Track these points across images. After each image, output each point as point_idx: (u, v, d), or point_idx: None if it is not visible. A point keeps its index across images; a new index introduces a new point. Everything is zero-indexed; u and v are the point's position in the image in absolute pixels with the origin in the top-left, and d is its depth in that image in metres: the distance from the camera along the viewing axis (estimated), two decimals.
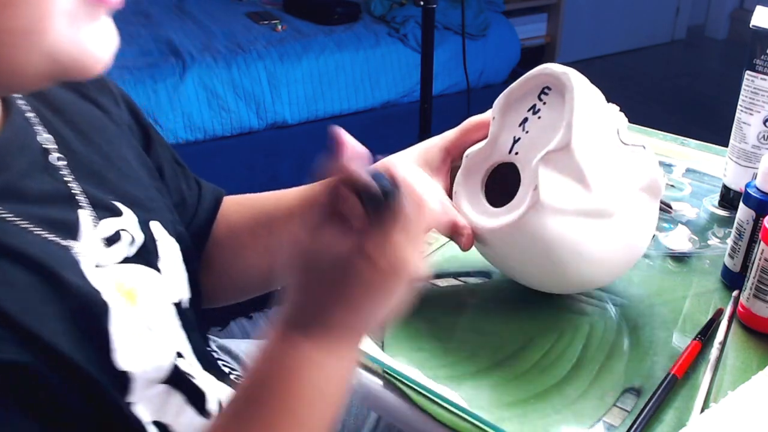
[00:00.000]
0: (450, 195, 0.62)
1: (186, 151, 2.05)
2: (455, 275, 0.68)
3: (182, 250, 0.61)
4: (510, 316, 0.62)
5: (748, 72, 0.74)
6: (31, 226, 0.45)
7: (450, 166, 0.63)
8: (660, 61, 3.84)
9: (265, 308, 1.87)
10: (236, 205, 0.72)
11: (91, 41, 0.41)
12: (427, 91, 1.66)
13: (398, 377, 0.56)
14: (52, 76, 0.41)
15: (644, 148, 0.57)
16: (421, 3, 1.53)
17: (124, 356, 0.47)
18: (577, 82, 0.55)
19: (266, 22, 2.40)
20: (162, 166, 0.65)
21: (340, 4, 2.46)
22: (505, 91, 0.60)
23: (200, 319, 0.62)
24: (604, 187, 0.54)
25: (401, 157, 0.63)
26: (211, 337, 0.75)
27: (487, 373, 0.56)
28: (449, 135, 0.64)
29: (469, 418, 0.52)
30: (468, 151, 0.62)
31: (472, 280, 0.68)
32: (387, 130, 2.33)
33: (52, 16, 0.38)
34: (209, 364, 0.60)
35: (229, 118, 2.10)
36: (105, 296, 0.48)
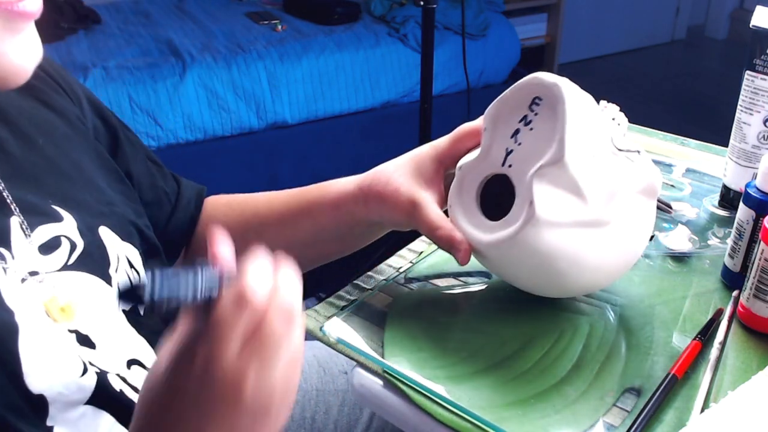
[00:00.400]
0: (444, 205, 0.62)
1: (186, 151, 2.05)
2: (455, 275, 0.68)
3: (146, 252, 0.59)
4: (510, 316, 0.62)
5: (748, 72, 0.74)
6: None
7: (443, 175, 0.63)
8: (660, 61, 3.84)
9: None
10: (225, 207, 0.71)
11: (14, 54, 0.41)
12: (427, 91, 1.66)
13: (398, 377, 0.56)
14: None
15: (639, 153, 0.57)
16: (421, 3, 1.53)
17: (37, 378, 0.45)
18: (569, 93, 0.54)
19: (266, 22, 2.41)
20: (130, 167, 0.64)
21: (340, 4, 2.46)
22: (495, 101, 0.59)
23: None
24: (600, 197, 0.54)
25: (394, 168, 0.62)
26: None
27: (487, 373, 0.56)
28: (441, 144, 0.62)
29: (469, 418, 0.52)
30: (460, 163, 0.61)
31: (472, 280, 0.68)
32: (387, 130, 2.33)
33: None
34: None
35: (229, 118, 2.10)
36: (18, 317, 0.45)
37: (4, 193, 0.49)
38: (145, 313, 0.37)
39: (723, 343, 0.57)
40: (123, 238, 0.57)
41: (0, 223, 0.47)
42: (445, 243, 0.58)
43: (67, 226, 0.53)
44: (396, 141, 1.51)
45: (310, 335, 0.62)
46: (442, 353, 0.58)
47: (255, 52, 2.16)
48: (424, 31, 1.58)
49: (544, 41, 3.25)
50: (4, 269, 0.46)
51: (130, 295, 0.35)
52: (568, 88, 0.54)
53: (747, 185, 0.62)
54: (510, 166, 0.57)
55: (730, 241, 0.65)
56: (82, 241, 0.53)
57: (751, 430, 0.49)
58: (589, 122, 0.55)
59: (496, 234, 0.56)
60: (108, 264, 0.54)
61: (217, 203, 0.72)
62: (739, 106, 0.76)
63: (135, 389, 0.52)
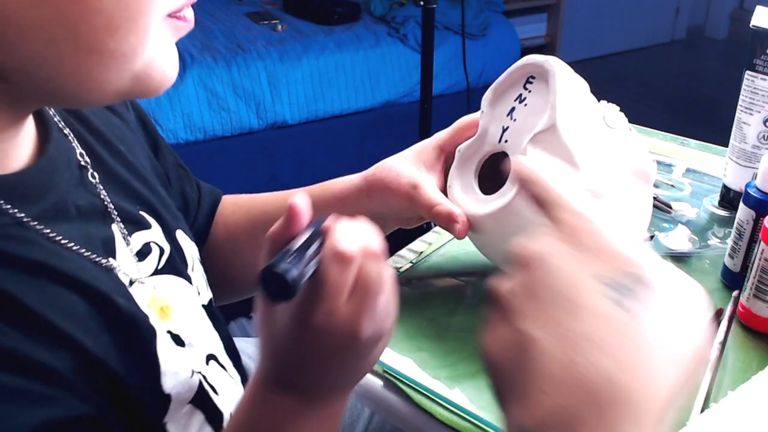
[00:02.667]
0: (444, 191, 0.63)
1: (186, 151, 2.05)
2: (455, 275, 0.68)
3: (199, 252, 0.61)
4: None
5: (748, 72, 0.74)
6: (77, 246, 0.45)
7: (444, 164, 0.64)
8: (660, 61, 3.84)
9: None
10: (233, 206, 0.72)
11: (167, 61, 0.42)
12: (427, 91, 1.66)
13: (398, 377, 0.56)
14: (127, 95, 0.42)
15: (630, 130, 0.58)
16: (421, 3, 1.53)
17: (169, 379, 0.48)
18: (559, 67, 0.56)
19: (266, 22, 2.41)
20: (168, 170, 0.66)
21: (340, 4, 2.46)
22: (492, 85, 0.62)
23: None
24: (592, 167, 0.54)
25: (397, 158, 0.64)
26: None
27: None
28: (442, 134, 0.65)
29: (469, 418, 0.52)
30: (460, 146, 0.63)
31: (472, 280, 0.68)
32: (387, 130, 2.33)
33: (147, 41, 0.39)
34: (237, 358, 0.61)
35: (229, 118, 2.10)
36: (152, 320, 0.48)
37: (106, 201, 0.50)
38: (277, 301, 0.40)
39: (723, 343, 0.57)
40: (191, 239, 0.60)
41: (105, 231, 0.49)
42: (444, 217, 0.59)
43: (155, 232, 0.55)
44: (396, 141, 1.50)
45: None
46: (442, 353, 0.58)
47: (255, 52, 2.16)
48: (424, 31, 1.58)
49: (544, 41, 3.25)
50: (123, 280, 0.48)
51: (280, 296, 0.38)
52: (559, 64, 0.57)
53: (747, 185, 0.63)
54: (506, 141, 0.59)
55: (730, 241, 0.65)
56: (168, 246, 0.55)
57: (751, 430, 0.49)
58: (581, 97, 0.56)
59: (492, 204, 0.57)
60: (186, 265, 0.57)
61: (224, 203, 0.73)
62: (739, 106, 0.76)
63: (213, 388, 0.54)
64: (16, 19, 0.35)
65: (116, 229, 0.50)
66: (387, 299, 0.44)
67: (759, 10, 0.73)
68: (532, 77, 0.59)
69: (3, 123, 0.40)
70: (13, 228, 0.40)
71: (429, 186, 0.61)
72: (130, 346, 0.45)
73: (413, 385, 0.55)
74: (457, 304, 0.65)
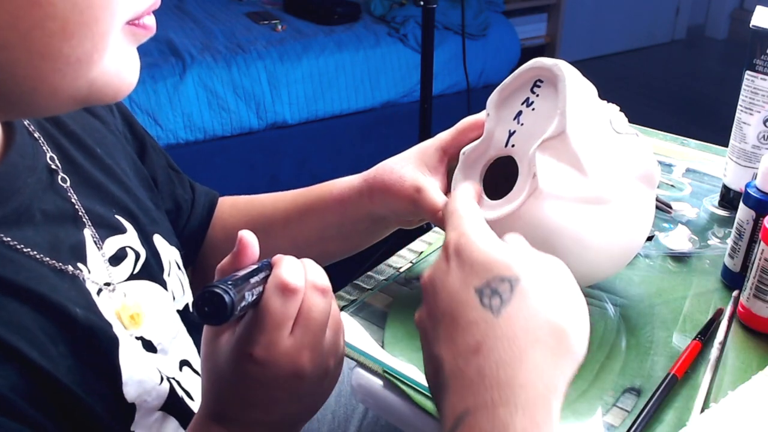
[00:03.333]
0: (448, 194, 0.62)
1: (186, 151, 2.05)
2: None
3: (181, 255, 0.61)
4: None
5: (748, 72, 0.74)
6: (40, 254, 0.44)
7: (447, 166, 0.63)
8: (660, 61, 3.84)
9: None
10: (231, 208, 0.72)
11: (126, 67, 0.41)
12: (427, 91, 1.66)
13: (398, 377, 0.56)
14: (84, 101, 0.41)
15: (637, 135, 0.58)
16: (421, 3, 1.53)
17: (132, 388, 0.47)
18: (569, 72, 0.56)
19: (266, 22, 2.41)
20: (156, 173, 0.65)
21: (340, 4, 2.46)
22: (498, 88, 0.61)
23: None
24: (600, 174, 0.54)
25: (398, 159, 0.63)
26: None
27: None
28: (445, 135, 0.63)
29: None
30: (464, 149, 0.62)
31: None
32: (387, 130, 2.33)
33: (105, 48, 0.39)
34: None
35: (229, 118, 2.10)
36: (115, 329, 0.47)
37: (77, 205, 0.49)
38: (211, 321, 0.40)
39: (723, 343, 0.57)
40: (170, 243, 0.59)
41: (76, 236, 0.48)
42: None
43: (130, 237, 0.54)
44: (396, 141, 1.51)
45: None
46: None
47: (255, 52, 2.16)
48: (424, 31, 1.58)
49: (544, 41, 3.25)
50: (85, 282, 0.47)
51: (213, 316, 0.38)
52: (568, 68, 0.56)
53: (747, 185, 0.63)
54: (513, 145, 0.58)
55: (730, 241, 0.65)
56: (144, 251, 0.55)
57: (751, 430, 0.49)
58: (589, 102, 0.56)
59: (500, 210, 0.56)
60: (162, 270, 0.57)
61: (222, 205, 0.72)
62: (739, 106, 0.76)
63: (187, 393, 0.54)
64: None
65: (88, 234, 0.49)
66: (333, 335, 0.44)
67: (759, 10, 0.73)
68: (540, 81, 0.58)
69: None
70: None
71: (433, 189, 0.60)
72: (86, 357, 0.44)
73: (413, 385, 0.55)
74: None
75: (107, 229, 0.52)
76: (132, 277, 0.53)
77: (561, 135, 0.54)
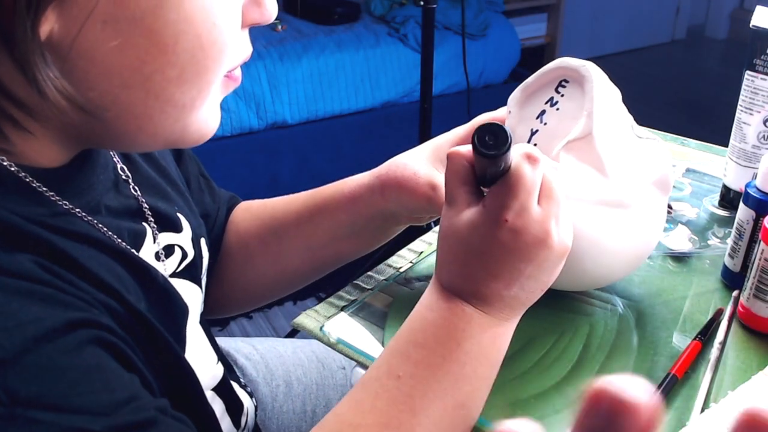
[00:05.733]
0: None
1: None
2: None
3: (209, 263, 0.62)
4: None
5: (748, 72, 0.74)
6: (114, 236, 0.47)
7: None
8: (660, 61, 3.84)
9: (265, 308, 1.88)
10: (244, 213, 0.71)
11: (213, 115, 0.45)
12: (427, 91, 1.65)
13: None
14: (172, 143, 0.44)
15: (656, 140, 0.58)
16: (421, 3, 1.53)
17: (192, 358, 0.48)
18: (597, 74, 0.55)
19: None
20: (189, 179, 0.66)
21: (340, 4, 2.46)
22: (521, 85, 0.59)
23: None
24: (621, 177, 0.54)
25: (412, 155, 0.62)
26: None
27: None
28: (461, 131, 0.62)
29: None
30: None
31: None
32: (387, 130, 2.33)
33: (207, 95, 0.42)
34: (229, 368, 0.61)
35: (229, 118, 2.10)
36: (186, 298, 0.49)
37: (141, 201, 0.52)
38: (487, 159, 0.41)
39: (723, 343, 0.57)
40: (208, 249, 0.61)
41: (138, 227, 0.50)
42: None
43: (184, 236, 0.56)
44: (396, 141, 1.51)
45: (310, 335, 0.62)
46: None
47: (255, 52, 2.16)
48: (424, 31, 1.58)
49: (544, 41, 3.25)
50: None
51: (493, 147, 0.40)
52: (596, 71, 0.56)
53: (747, 185, 0.62)
54: (535, 144, 0.58)
55: (730, 241, 0.65)
56: (193, 252, 0.56)
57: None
58: (614, 104, 0.56)
59: None
60: (202, 273, 0.58)
61: (237, 210, 0.72)
62: (739, 106, 0.76)
63: (238, 381, 0.56)
64: (101, 62, 0.37)
65: (147, 227, 0.51)
66: (567, 217, 0.46)
67: (759, 10, 0.73)
68: (566, 81, 0.57)
69: (58, 146, 0.42)
70: (63, 214, 0.42)
71: None
72: (162, 317, 0.46)
73: None
74: None
75: (166, 224, 0.54)
76: (174, 274, 0.53)
77: (587, 137, 0.53)
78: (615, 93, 0.57)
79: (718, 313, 0.61)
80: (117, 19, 0.36)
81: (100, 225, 0.45)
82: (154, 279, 0.46)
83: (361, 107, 2.30)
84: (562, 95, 0.57)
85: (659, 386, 0.53)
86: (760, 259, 0.57)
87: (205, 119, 0.44)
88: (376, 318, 0.63)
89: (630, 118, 0.57)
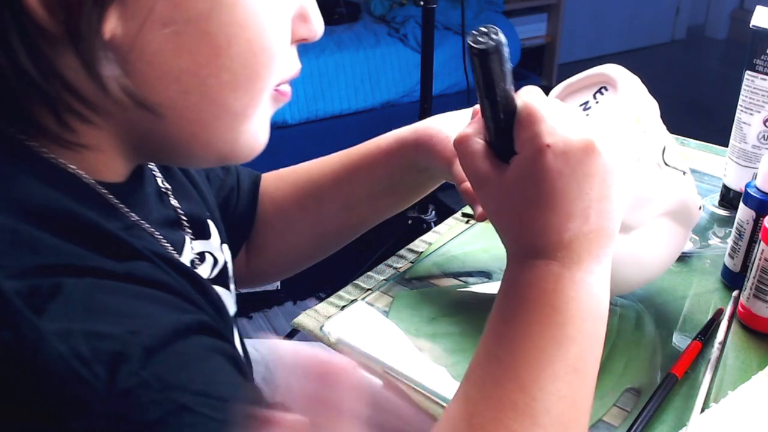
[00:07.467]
0: None
1: None
2: (455, 275, 0.68)
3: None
4: None
5: (748, 72, 0.74)
6: (171, 248, 0.48)
7: None
8: (660, 61, 3.84)
9: (265, 308, 1.88)
10: (277, 181, 0.72)
11: (263, 130, 0.45)
12: (427, 91, 1.65)
13: (398, 377, 0.56)
14: (223, 158, 0.45)
15: (684, 173, 0.56)
16: (421, 3, 1.53)
17: None
18: (634, 87, 0.54)
19: None
20: (208, 172, 0.66)
21: (340, 5, 2.46)
22: (565, 81, 0.59)
23: None
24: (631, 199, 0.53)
25: (451, 117, 0.62)
26: None
27: None
28: None
29: None
30: None
31: (472, 280, 0.68)
32: (387, 130, 2.31)
33: (258, 105, 0.43)
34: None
35: None
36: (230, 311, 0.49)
37: (179, 211, 0.52)
38: (484, 57, 0.40)
39: (723, 343, 0.57)
40: (230, 248, 0.61)
41: (178, 236, 0.51)
42: (469, 197, 0.58)
43: (213, 243, 0.56)
44: None
45: (310, 335, 0.62)
46: (442, 353, 0.58)
47: None
48: (424, 31, 1.58)
49: (544, 41, 3.25)
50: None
51: (485, 45, 0.40)
52: (634, 84, 0.54)
53: (747, 185, 0.63)
54: None
55: (730, 241, 0.65)
56: (222, 257, 0.57)
57: (751, 430, 0.49)
58: (645, 125, 0.54)
59: None
60: (230, 278, 0.59)
61: (266, 180, 0.72)
62: (739, 106, 0.76)
63: None
64: (159, 64, 0.38)
65: (185, 235, 0.52)
66: (597, 127, 0.44)
67: (759, 10, 0.73)
68: (605, 88, 0.56)
69: (121, 159, 0.43)
70: (131, 227, 0.43)
71: None
72: (222, 326, 0.45)
73: (413, 385, 0.55)
74: (457, 304, 0.65)
75: (198, 232, 0.54)
76: (207, 280, 0.54)
77: None
78: (651, 110, 0.55)
79: (718, 313, 0.61)
80: (174, 21, 0.37)
81: (160, 237, 0.47)
82: (208, 291, 0.45)
83: (361, 107, 2.31)
84: (597, 101, 0.56)
85: (659, 386, 0.53)
86: (760, 259, 0.57)
87: (255, 132, 0.44)
88: (376, 318, 0.63)
89: (665, 142, 0.55)
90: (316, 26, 0.46)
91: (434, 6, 1.54)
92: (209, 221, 0.57)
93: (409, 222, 1.71)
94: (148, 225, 0.45)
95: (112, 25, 0.36)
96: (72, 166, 0.40)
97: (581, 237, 0.42)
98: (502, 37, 0.40)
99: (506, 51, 0.41)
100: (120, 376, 0.32)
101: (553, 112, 0.42)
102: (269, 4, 0.41)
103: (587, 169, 0.41)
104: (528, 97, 0.43)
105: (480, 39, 0.40)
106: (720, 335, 0.58)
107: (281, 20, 0.43)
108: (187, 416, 0.33)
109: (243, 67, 0.40)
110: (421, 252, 0.73)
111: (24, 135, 0.38)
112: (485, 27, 0.41)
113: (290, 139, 2.21)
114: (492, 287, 0.67)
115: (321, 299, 0.68)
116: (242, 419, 0.36)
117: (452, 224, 0.78)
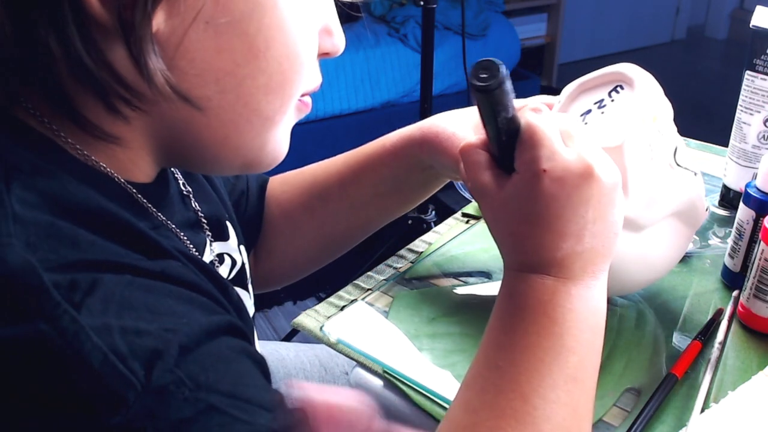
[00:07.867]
0: None
1: None
2: (455, 275, 0.68)
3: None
4: None
5: (748, 72, 0.74)
6: (194, 249, 0.48)
7: None
8: (660, 61, 3.84)
9: (265, 308, 1.88)
10: (282, 185, 0.72)
11: (285, 140, 0.46)
12: (427, 91, 1.65)
13: (398, 377, 0.56)
14: (246, 166, 0.46)
15: (695, 174, 0.56)
16: (421, 3, 1.53)
17: None
18: (650, 87, 0.54)
19: None
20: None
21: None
22: (579, 79, 0.59)
23: None
24: (641, 198, 0.53)
25: (457, 115, 0.62)
26: None
27: None
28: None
29: None
30: None
31: (472, 280, 0.68)
32: (387, 130, 2.30)
33: (285, 112, 0.43)
34: None
35: None
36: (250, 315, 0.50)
37: (199, 213, 0.53)
38: (486, 93, 0.41)
39: (723, 343, 0.57)
40: (246, 250, 0.61)
41: (199, 238, 0.52)
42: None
43: (231, 244, 0.57)
44: None
45: (310, 335, 0.62)
46: (443, 353, 0.58)
47: None
48: (424, 31, 1.58)
49: (544, 41, 3.25)
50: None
51: (487, 81, 0.40)
52: (650, 84, 0.55)
53: (747, 185, 0.63)
54: None
55: (730, 241, 0.65)
56: (240, 260, 0.57)
57: (751, 430, 0.49)
58: (659, 124, 0.54)
59: None
60: (248, 279, 0.59)
61: (272, 183, 0.72)
62: (739, 106, 0.76)
63: None
64: (200, 62, 0.39)
65: (206, 237, 0.53)
66: (599, 150, 0.45)
67: (759, 10, 0.73)
68: (621, 86, 0.56)
69: (150, 159, 0.44)
70: (158, 227, 0.44)
71: None
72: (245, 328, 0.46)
73: (413, 385, 0.55)
74: (457, 304, 0.65)
75: (217, 233, 0.55)
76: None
77: (617, 147, 0.52)
78: (665, 111, 0.55)
79: (718, 313, 0.61)
80: (218, 22, 0.38)
81: (185, 238, 0.47)
82: (230, 292, 0.46)
83: (361, 107, 2.31)
84: (612, 100, 0.56)
85: (659, 386, 0.53)
86: (760, 259, 0.57)
87: (280, 140, 0.45)
88: (376, 318, 0.63)
89: (677, 142, 0.55)
90: (339, 42, 0.48)
91: (434, 6, 1.54)
92: (227, 222, 0.57)
93: (409, 222, 1.71)
94: (173, 226, 0.46)
95: (159, 20, 0.36)
96: (103, 165, 0.40)
97: (574, 255, 0.43)
98: (504, 72, 0.40)
99: (509, 85, 0.41)
100: (156, 373, 0.32)
101: (554, 135, 0.43)
102: (302, 14, 0.42)
103: (583, 194, 0.42)
104: (532, 117, 0.43)
105: (482, 75, 0.40)
106: (720, 335, 0.58)
107: (311, 31, 0.44)
108: (216, 416, 0.34)
109: (277, 72, 0.41)
110: (421, 252, 0.73)
111: (62, 133, 0.39)
112: (487, 61, 0.41)
113: (290, 139, 2.21)
114: (492, 287, 0.67)
115: (321, 299, 0.68)
116: (284, 419, 0.36)
117: (452, 224, 0.78)
